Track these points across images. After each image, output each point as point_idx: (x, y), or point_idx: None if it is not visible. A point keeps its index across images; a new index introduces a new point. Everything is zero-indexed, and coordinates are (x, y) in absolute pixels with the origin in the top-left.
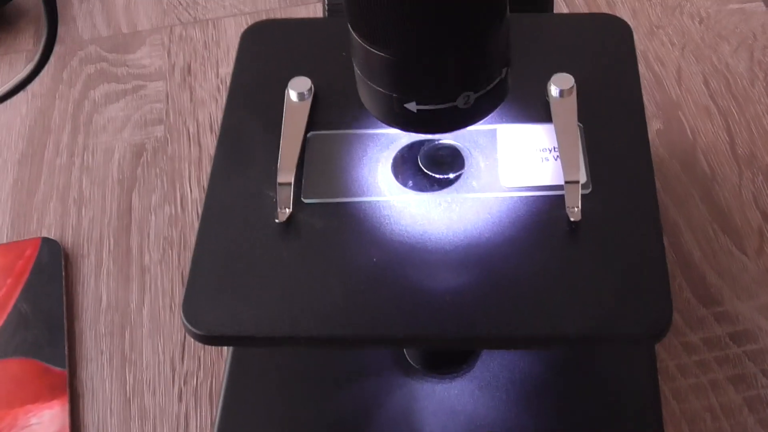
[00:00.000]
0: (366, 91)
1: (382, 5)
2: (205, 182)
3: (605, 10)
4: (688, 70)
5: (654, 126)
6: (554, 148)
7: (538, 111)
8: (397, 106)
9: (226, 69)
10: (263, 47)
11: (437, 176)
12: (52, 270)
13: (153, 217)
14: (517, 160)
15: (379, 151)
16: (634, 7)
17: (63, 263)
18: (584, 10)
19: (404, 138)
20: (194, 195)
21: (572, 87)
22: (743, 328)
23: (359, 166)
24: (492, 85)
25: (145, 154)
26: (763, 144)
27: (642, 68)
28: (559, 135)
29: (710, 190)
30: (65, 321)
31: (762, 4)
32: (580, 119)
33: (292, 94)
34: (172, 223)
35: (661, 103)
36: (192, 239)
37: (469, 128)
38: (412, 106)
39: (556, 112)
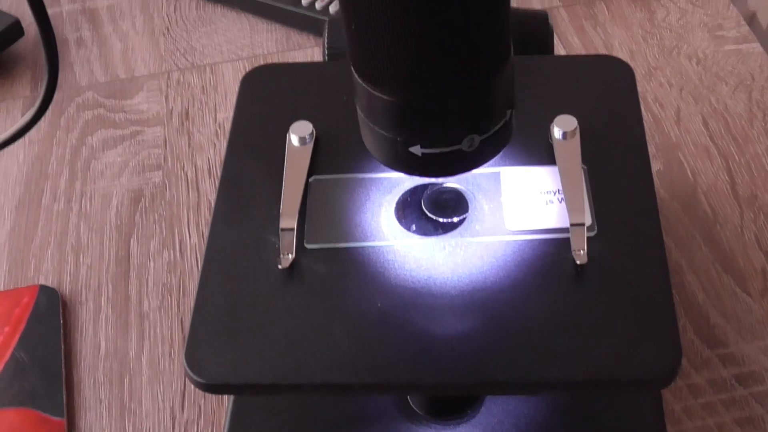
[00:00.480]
0: (369, 135)
1: (386, 49)
2: (203, 227)
3: (603, 52)
4: (687, 111)
5: (654, 167)
6: (558, 191)
7: (542, 153)
8: (402, 150)
9: (224, 114)
10: (264, 91)
11: (441, 220)
12: (50, 317)
13: (151, 263)
14: (521, 203)
15: (382, 196)
16: (632, 48)
17: (61, 310)
18: (582, 52)
19: (407, 182)
20: (193, 241)
21: (575, 128)
22: (749, 370)
23: (362, 210)
24: (497, 128)
25: (143, 200)
26: (763, 184)
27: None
28: (563, 177)
29: (712, 230)
30: (63, 369)
31: (759, 45)
32: (584, 161)
33: (294, 139)
34: (171, 269)
35: (661, 144)
36: (191, 285)
37: (473, 171)
38: (416, 150)
39: (559, 154)
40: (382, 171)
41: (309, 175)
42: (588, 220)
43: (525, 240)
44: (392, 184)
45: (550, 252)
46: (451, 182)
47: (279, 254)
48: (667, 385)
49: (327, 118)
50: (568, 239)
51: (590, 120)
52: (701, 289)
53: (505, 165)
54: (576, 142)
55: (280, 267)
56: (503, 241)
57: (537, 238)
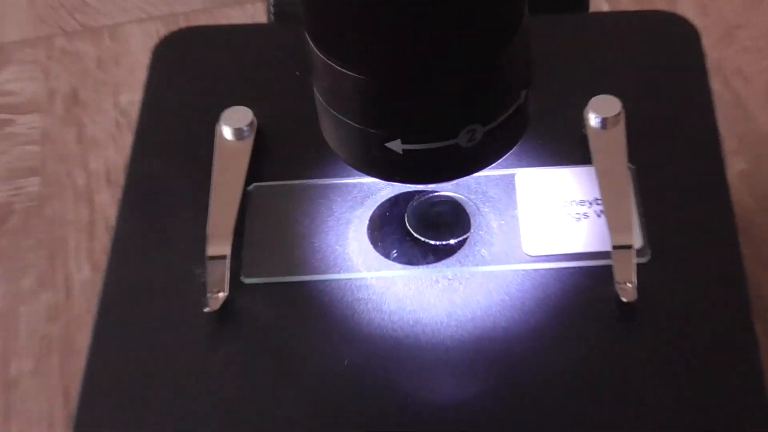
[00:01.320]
0: (331, 126)
1: (356, 7)
2: (100, 257)
3: (661, 6)
4: None
5: (735, 166)
6: (596, 200)
7: (573, 148)
8: (376, 146)
9: (130, 96)
10: (185, 65)
11: (432, 243)
12: None
13: (24, 308)
14: (544, 218)
15: (351, 209)
16: (703, 1)
17: None
18: (631, 7)
19: (385, 190)
20: (84, 275)
21: (619, 113)
22: None
23: (322, 230)
24: (506, 115)
25: (11, 218)
26: None
27: (716, 85)
28: (603, 181)
29: None
30: None
31: None
32: (630, 159)
33: (226, 131)
34: (53, 316)
35: (746, 134)
36: (81, 339)
37: (477, 175)
38: (395, 146)
39: (597, 149)
40: (351, 175)
41: (248, 181)
42: (638, 241)
43: (549, 269)
44: (364, 193)
45: (585, 286)
46: (445, 190)
47: (206, 292)
48: None
49: (273, 102)
50: (609, 268)
51: (639, 101)
52: None
53: (522, 165)
54: (620, 132)
55: (207, 310)
56: (519, 270)
57: (566, 266)
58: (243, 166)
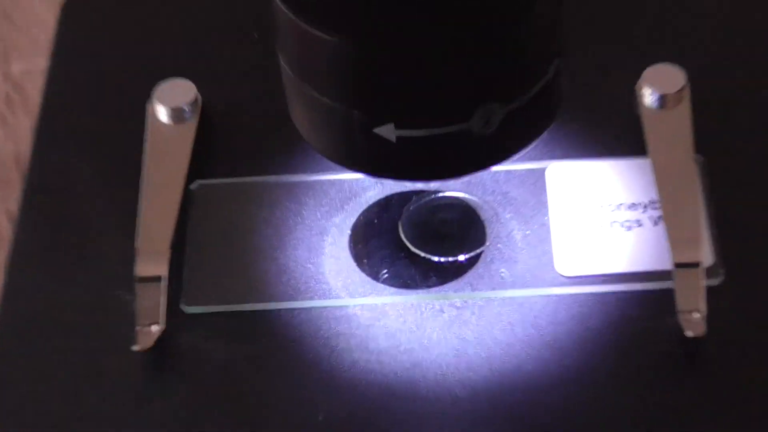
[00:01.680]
0: (302, 106)
1: None
2: None
3: None
4: None
5: None
6: (652, 203)
7: (621, 135)
8: (362, 133)
9: (25, 64)
10: (104, 24)
11: (435, 260)
12: None
13: None
14: (583, 227)
15: (327, 216)
16: None
17: None
18: None
19: (373, 190)
20: None
21: (683, 88)
22: None
23: (289, 243)
24: (533, 92)
25: None
26: None
27: None
28: (662, 178)
29: None
30: None
31: None
32: (698, 148)
33: (161, 112)
34: None
35: None
36: None
37: (495, 170)
38: (387, 132)
39: (654, 135)
40: (326, 171)
41: (190, 178)
42: (707, 257)
43: (591, 295)
44: (344, 194)
45: (637, 316)
46: (453, 190)
47: (135, 325)
48: None
49: (222, 74)
50: (669, 293)
51: (707, 74)
52: None
53: (554, 158)
54: (684, 113)
55: (136, 349)
56: (551, 297)
57: (612, 290)
58: (183, 158)
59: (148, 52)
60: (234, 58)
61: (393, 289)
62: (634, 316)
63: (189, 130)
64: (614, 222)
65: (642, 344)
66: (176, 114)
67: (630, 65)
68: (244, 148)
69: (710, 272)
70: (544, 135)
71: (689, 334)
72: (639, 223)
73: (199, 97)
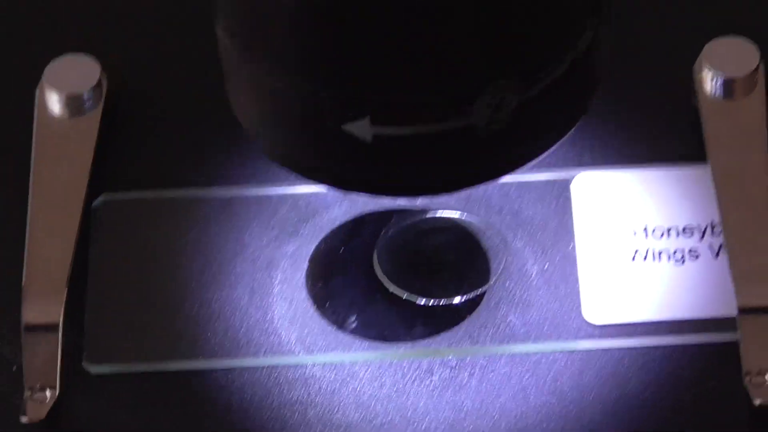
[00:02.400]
0: (248, 92)
1: None
2: None
3: None
4: None
5: None
6: (712, 227)
7: (673, 133)
8: (327, 128)
9: None
10: None
11: (421, 302)
12: None
13: None
14: (619, 260)
15: (277, 242)
16: None
17: None
18: None
19: (338, 208)
20: None
21: (756, 70)
22: None
23: (226, 279)
24: (557, 74)
25: None
26: None
27: None
28: (725, 193)
29: None
30: None
31: None
32: None
33: (53, 99)
34: None
35: None
36: None
37: (504, 181)
38: (360, 129)
39: (715, 134)
40: (277, 182)
41: (92, 190)
42: None
43: (627, 349)
44: (301, 213)
45: (690, 377)
46: (446, 208)
47: (23, 390)
48: None
49: (134, 49)
50: (733, 347)
51: None
52: None
53: (583, 166)
54: (757, 104)
55: (24, 421)
56: (576, 352)
57: (656, 343)
58: (83, 164)
59: (40, 21)
60: (149, 28)
61: (365, 342)
62: (686, 377)
63: (90, 125)
64: (661, 252)
65: (696, 414)
66: (73, 102)
67: (686, 40)
68: (164, 149)
69: None
70: (571, 134)
71: (758, 401)
72: (695, 254)
73: (104, 81)
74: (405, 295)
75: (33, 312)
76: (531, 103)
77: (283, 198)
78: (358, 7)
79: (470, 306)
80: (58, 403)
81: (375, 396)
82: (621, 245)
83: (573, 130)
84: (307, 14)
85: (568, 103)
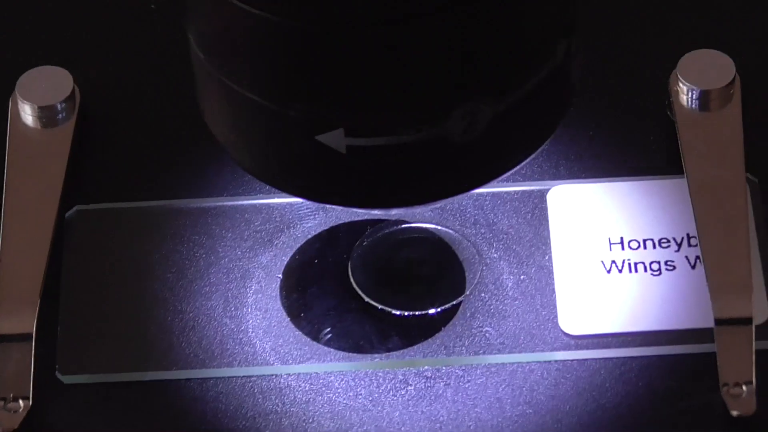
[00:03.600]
0: (220, 104)
1: None
2: None
3: None
4: None
5: None
6: (689, 238)
7: (649, 146)
8: (301, 140)
9: None
10: None
11: (396, 313)
12: None
13: None
14: (594, 271)
15: (251, 253)
16: None
17: None
18: None
19: (312, 219)
20: None
21: (732, 82)
22: None
23: (200, 289)
24: (531, 84)
25: None
26: None
27: None
28: (701, 205)
29: None
30: None
31: None
32: (750, 164)
33: (26, 111)
34: None
35: None
36: None
37: (480, 192)
38: (334, 140)
39: (692, 146)
40: (250, 193)
41: (65, 201)
42: (761, 312)
43: (604, 359)
44: (275, 225)
45: (666, 388)
46: (421, 219)
47: None
48: None
49: (107, 61)
50: (709, 358)
51: (765, 64)
52: None
53: (559, 178)
54: (733, 115)
55: None
56: (553, 363)
57: (633, 354)
58: (57, 174)
59: (13, 32)
60: (123, 40)
61: (340, 353)
62: (662, 388)
63: (63, 136)
64: (638, 263)
65: (673, 426)
66: (46, 114)
67: (661, 52)
68: (137, 160)
69: (762, 332)
70: (546, 145)
71: (735, 413)
72: (670, 266)
73: (78, 92)
74: (380, 306)
75: (6, 322)
76: (504, 115)
77: (258, 208)
78: (329, 26)
79: (446, 317)
80: (31, 413)
81: (350, 406)
82: (597, 256)
83: (548, 142)
84: (279, 34)
85: (542, 116)
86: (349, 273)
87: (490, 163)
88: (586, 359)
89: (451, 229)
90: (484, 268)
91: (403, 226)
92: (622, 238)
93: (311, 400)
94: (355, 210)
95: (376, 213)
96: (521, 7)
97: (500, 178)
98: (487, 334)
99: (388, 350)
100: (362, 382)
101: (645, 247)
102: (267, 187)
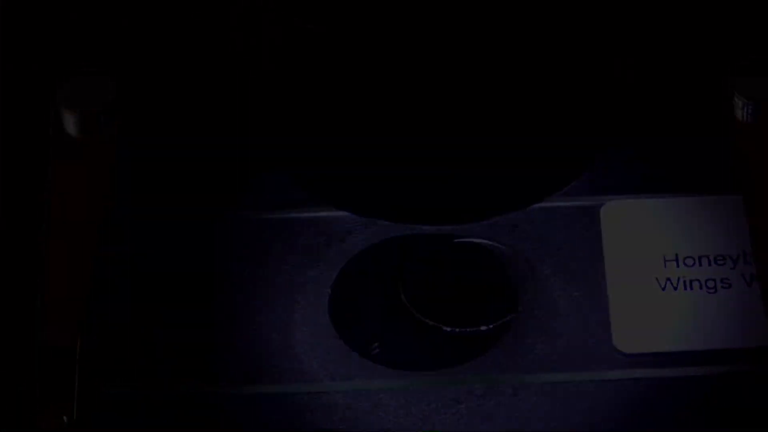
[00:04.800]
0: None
1: None
2: None
3: None
4: None
5: None
6: (744, 256)
7: (702, 161)
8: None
9: None
10: None
11: (447, 329)
12: None
13: None
14: (649, 288)
15: (300, 266)
16: None
17: None
18: None
19: (360, 232)
20: None
21: None
22: None
23: (247, 303)
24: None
25: None
26: None
27: None
28: (758, 221)
29: None
30: None
31: None
32: None
33: (68, 122)
34: None
35: None
36: None
37: (533, 208)
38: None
39: (745, 160)
40: (303, 206)
41: (110, 210)
42: None
43: (659, 378)
44: (324, 238)
45: (725, 408)
46: (472, 235)
47: (37, 415)
48: None
49: (153, 65)
50: (765, 376)
51: None
52: None
53: (612, 193)
54: None
55: None
56: (607, 381)
57: (689, 374)
58: (101, 184)
59: (53, 35)
60: (170, 44)
61: (389, 370)
62: (719, 408)
63: (107, 145)
64: (693, 281)
65: None
66: (89, 122)
67: (718, 65)
68: (182, 171)
69: None
70: (599, 161)
71: None
72: (726, 283)
73: (119, 99)
74: (430, 322)
75: (51, 334)
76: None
77: (307, 222)
78: None
79: (497, 334)
80: (74, 426)
81: (401, 424)
82: (652, 273)
83: (593, 159)
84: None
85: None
86: (400, 288)
87: (544, 180)
88: (640, 378)
89: (503, 244)
90: (537, 284)
91: (455, 241)
92: (677, 255)
93: (360, 417)
94: (405, 225)
95: (427, 228)
96: None
97: (553, 197)
98: (539, 352)
99: (439, 367)
100: (412, 399)
101: (700, 264)
102: (318, 201)
